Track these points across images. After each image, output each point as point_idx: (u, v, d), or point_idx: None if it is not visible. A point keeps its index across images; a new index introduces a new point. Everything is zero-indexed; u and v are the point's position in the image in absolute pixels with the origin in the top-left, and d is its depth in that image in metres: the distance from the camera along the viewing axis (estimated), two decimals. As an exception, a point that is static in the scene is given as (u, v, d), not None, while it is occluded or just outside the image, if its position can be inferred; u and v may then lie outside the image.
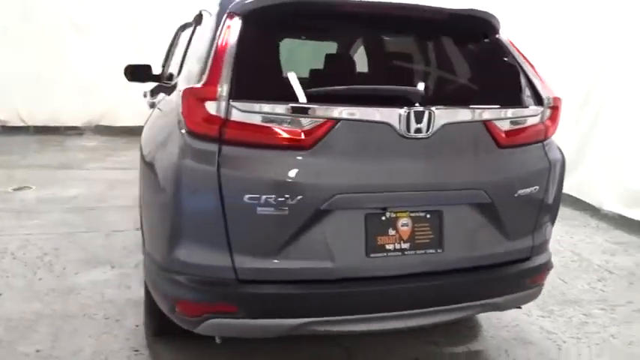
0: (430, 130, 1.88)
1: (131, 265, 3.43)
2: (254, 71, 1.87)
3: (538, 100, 2.12)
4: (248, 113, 1.79)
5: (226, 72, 1.82)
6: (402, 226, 1.94)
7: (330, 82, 1.92)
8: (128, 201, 4.54)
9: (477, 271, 2.04)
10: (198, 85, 1.85)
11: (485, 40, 2.19)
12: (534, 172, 2.10)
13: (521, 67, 2.17)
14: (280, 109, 1.80)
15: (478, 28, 2.15)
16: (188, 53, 2.60)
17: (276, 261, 1.85)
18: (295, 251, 1.85)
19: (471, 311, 2.12)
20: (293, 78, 1.88)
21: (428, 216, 1.96)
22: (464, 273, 2.01)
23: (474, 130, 1.98)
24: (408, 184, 1.92)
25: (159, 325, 2.32)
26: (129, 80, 4.03)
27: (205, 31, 2.14)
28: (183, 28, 3.57)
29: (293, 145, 1.81)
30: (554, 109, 2.15)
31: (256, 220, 1.82)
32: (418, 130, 1.86)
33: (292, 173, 1.82)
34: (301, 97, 1.85)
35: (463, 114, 1.95)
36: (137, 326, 2.66)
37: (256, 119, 1.80)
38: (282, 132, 1.81)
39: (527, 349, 2.62)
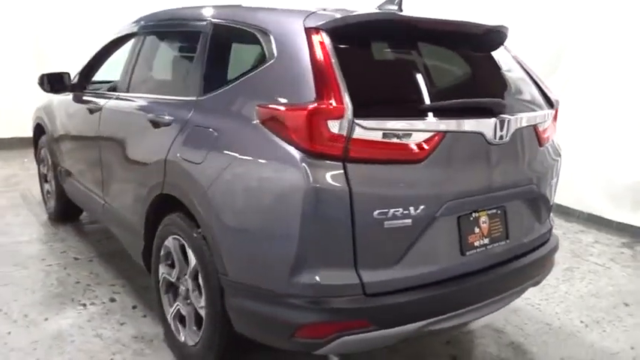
0: (507, 136, 2.12)
1: (105, 297, 3.06)
2: (364, 87, 1.89)
3: (548, 102, 2.50)
4: (369, 130, 1.82)
5: (344, 89, 1.82)
6: (483, 223, 2.15)
7: (426, 95, 2.03)
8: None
9: (528, 255, 2.35)
10: (311, 104, 1.81)
11: (501, 51, 2.49)
12: (554, 165, 2.48)
13: (529, 73, 2.54)
14: (400, 124, 1.86)
15: (502, 40, 2.44)
16: (182, 65, 2.46)
17: (397, 271, 1.92)
18: (411, 259, 1.94)
19: (524, 290, 2.43)
20: (398, 92, 1.95)
21: (498, 212, 2.20)
22: (521, 258, 2.31)
23: (529, 133, 2.27)
24: (490, 186, 2.13)
25: None
26: (47, 91, 3.61)
27: (268, 47, 2.05)
28: (123, 38, 3.29)
29: (410, 159, 1.90)
30: (556, 110, 2.56)
31: (383, 234, 1.87)
32: (501, 137, 2.09)
33: (414, 185, 1.91)
34: (412, 111, 1.93)
35: (525, 119, 2.22)
36: (170, 363, 2.46)
37: (377, 136, 1.84)
38: (401, 147, 1.88)
39: (518, 315, 3.06)
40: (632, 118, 4.44)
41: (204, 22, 2.46)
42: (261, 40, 2.12)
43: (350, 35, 1.98)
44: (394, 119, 1.86)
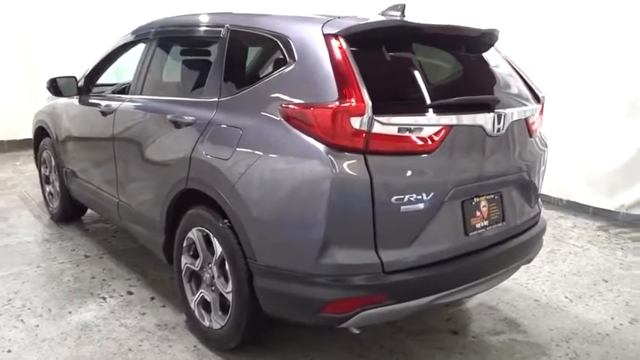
0: (504, 129, 2.37)
1: (122, 291, 3.22)
2: (380, 87, 2.11)
3: (535, 97, 2.76)
4: (387, 125, 2.05)
5: (363, 89, 2.04)
6: (483, 207, 2.40)
7: (433, 93, 2.26)
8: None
9: (522, 235, 2.61)
10: (335, 103, 2.02)
11: (492, 51, 2.75)
12: (542, 154, 2.75)
13: (517, 71, 2.80)
14: (413, 120, 2.09)
15: (493, 42, 2.69)
16: (210, 69, 2.65)
17: (411, 250, 2.15)
18: (423, 240, 2.17)
19: (518, 268, 2.69)
20: (409, 90, 2.18)
21: (495, 197, 2.45)
22: (516, 238, 2.57)
23: (521, 125, 2.52)
24: (488, 173, 2.38)
25: None
26: (55, 95, 3.75)
27: (289, 52, 2.25)
28: (132, 43, 3.46)
29: (422, 150, 2.13)
30: (542, 104, 2.83)
31: (399, 218, 2.09)
32: (498, 130, 2.34)
33: (425, 174, 2.15)
34: (422, 108, 2.16)
35: (518, 113, 2.47)
36: (195, 347, 2.64)
37: (393, 130, 2.07)
38: (414, 140, 2.11)
39: (509, 294, 3.33)
40: (607, 111, 4.77)
41: (222, 29, 2.64)
42: (280, 45, 2.32)
43: (364, 40, 2.20)
44: (407, 115, 2.09)
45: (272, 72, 2.33)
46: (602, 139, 4.82)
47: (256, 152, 2.23)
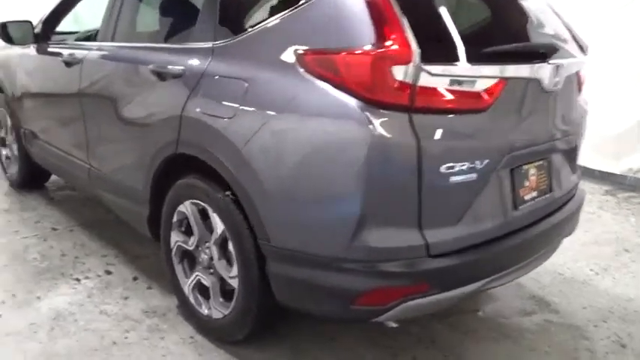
0: (561, 83, 2.00)
1: (99, 270, 2.79)
2: (424, 27, 1.69)
3: (581, 49, 2.39)
4: (436, 77, 1.64)
5: (408, 30, 1.62)
6: (531, 176, 2.04)
7: (484, 37, 1.86)
8: None
9: (566, 206, 2.29)
10: (373, 48, 1.60)
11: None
12: (585, 115, 2.40)
13: (561, 19, 2.41)
14: (467, 70, 1.70)
15: None
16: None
17: (458, 229, 1.79)
18: (472, 216, 1.82)
19: (564, 238, 2.37)
20: (459, 33, 1.76)
21: (544, 164, 2.11)
22: (561, 209, 2.24)
23: (573, 80, 2.16)
24: (541, 136, 2.03)
25: None
26: (6, 42, 3.19)
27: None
28: None
29: (475, 108, 1.74)
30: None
31: (448, 191, 1.72)
32: (555, 84, 1.97)
33: (479, 137, 1.77)
34: (476, 56, 1.75)
35: (573, 65, 2.10)
36: (192, 338, 2.26)
37: (443, 83, 1.67)
38: (467, 95, 1.72)
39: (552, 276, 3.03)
40: (616, 71, 4.46)
41: None
42: None
43: None
44: (460, 64, 1.69)
45: (284, 9, 1.87)
46: (609, 100, 4.53)
47: (268, 110, 1.80)
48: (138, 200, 2.45)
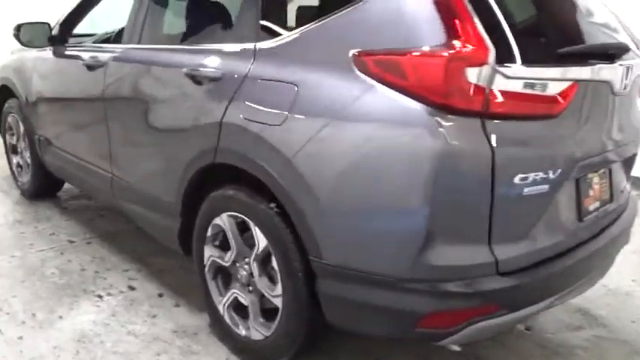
0: (629, 86, 1.87)
1: (122, 286, 2.64)
2: (496, 25, 1.55)
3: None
4: (511, 79, 1.51)
5: (481, 28, 1.48)
6: (595, 185, 1.91)
7: (556, 37, 1.73)
8: None
9: (624, 215, 2.16)
10: (446, 49, 1.46)
11: None
12: None
13: (618, 19, 2.27)
14: (542, 73, 1.56)
15: None
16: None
17: (527, 244, 1.65)
18: (540, 230, 1.68)
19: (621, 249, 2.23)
20: (531, 32, 1.63)
21: (606, 172, 1.98)
22: (621, 218, 2.11)
23: (638, 83, 2.03)
24: (609, 143, 1.89)
25: None
26: (25, 45, 3.05)
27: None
28: None
29: (548, 113, 1.60)
30: None
31: (520, 203, 1.59)
32: (625, 87, 1.84)
33: (552, 145, 1.64)
34: (549, 57, 1.62)
35: (639, 67, 1.97)
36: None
37: (517, 86, 1.53)
38: (541, 99, 1.58)
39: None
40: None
41: None
42: None
43: None
44: (535, 66, 1.55)
45: (338, 6, 1.73)
46: None
47: (322, 116, 1.66)
48: (168, 212, 2.30)
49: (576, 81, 1.64)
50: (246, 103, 1.87)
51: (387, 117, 1.55)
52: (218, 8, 2.32)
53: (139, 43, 2.51)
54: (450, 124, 1.48)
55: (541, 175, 1.59)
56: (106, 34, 3.17)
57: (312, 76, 1.72)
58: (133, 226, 3.03)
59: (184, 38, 2.42)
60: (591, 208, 1.89)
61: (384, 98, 1.55)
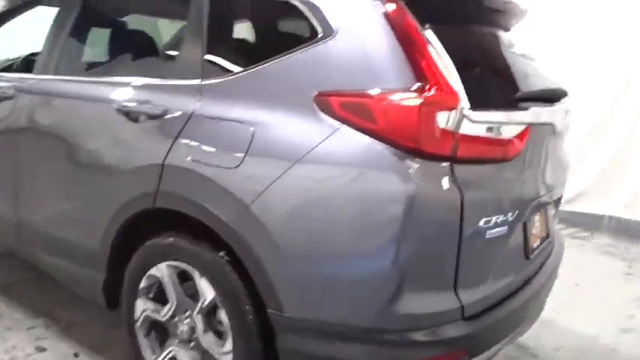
0: (566, 126, 1.99)
1: (28, 347, 2.29)
2: (461, 70, 1.56)
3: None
4: (476, 124, 1.52)
5: (451, 72, 1.49)
6: (537, 223, 1.98)
7: (511, 81, 1.78)
8: None
9: (555, 248, 2.26)
10: (418, 92, 1.44)
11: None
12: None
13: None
14: (503, 117, 1.60)
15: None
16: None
17: (487, 286, 1.66)
18: (496, 271, 1.70)
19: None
20: (489, 78, 1.66)
21: (542, 210, 2.06)
22: (554, 252, 2.21)
23: (567, 123, 2.15)
24: (552, 181, 1.98)
25: None
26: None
27: (320, 20, 1.60)
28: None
29: (505, 156, 1.63)
30: None
31: (483, 246, 1.59)
32: (563, 128, 1.95)
33: (509, 187, 1.68)
34: (506, 102, 1.66)
35: (569, 107, 2.08)
36: None
37: (481, 130, 1.55)
38: (500, 143, 1.61)
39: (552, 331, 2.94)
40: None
41: None
42: (302, 9, 1.66)
43: (426, 8, 1.62)
44: (496, 111, 1.59)
45: (297, 43, 1.65)
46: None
47: (283, 159, 1.56)
48: (91, 262, 2.05)
49: (531, 124, 1.71)
50: (194, 143, 1.72)
51: (354, 160, 1.49)
52: (155, 39, 2.15)
53: (56, 73, 2.25)
54: (421, 168, 1.45)
55: (501, 217, 1.61)
56: (8, 60, 2.83)
57: (270, 115, 1.62)
58: (32, 274, 2.67)
59: (114, 70, 2.21)
60: (535, 245, 1.95)
61: (351, 141, 1.49)
